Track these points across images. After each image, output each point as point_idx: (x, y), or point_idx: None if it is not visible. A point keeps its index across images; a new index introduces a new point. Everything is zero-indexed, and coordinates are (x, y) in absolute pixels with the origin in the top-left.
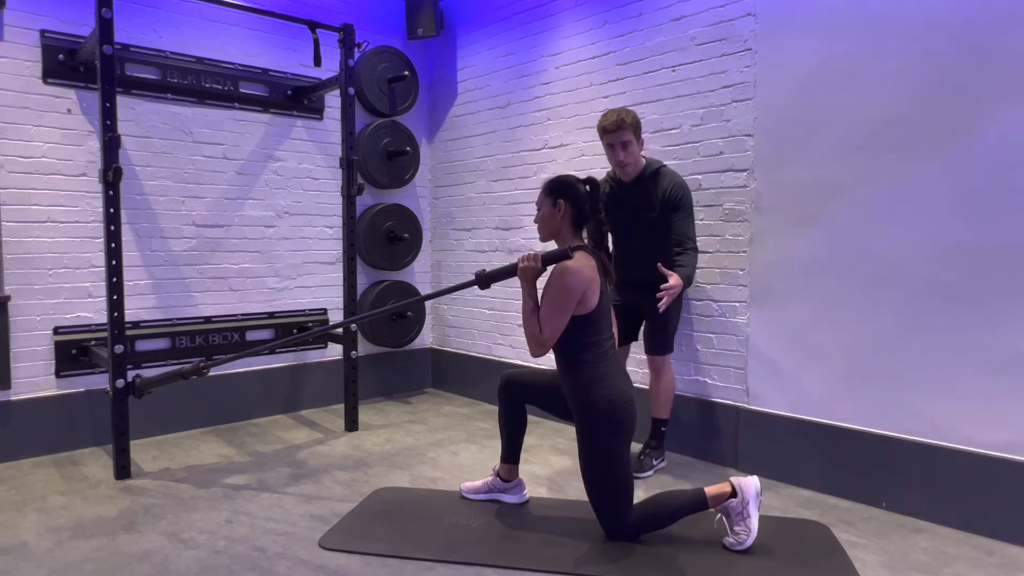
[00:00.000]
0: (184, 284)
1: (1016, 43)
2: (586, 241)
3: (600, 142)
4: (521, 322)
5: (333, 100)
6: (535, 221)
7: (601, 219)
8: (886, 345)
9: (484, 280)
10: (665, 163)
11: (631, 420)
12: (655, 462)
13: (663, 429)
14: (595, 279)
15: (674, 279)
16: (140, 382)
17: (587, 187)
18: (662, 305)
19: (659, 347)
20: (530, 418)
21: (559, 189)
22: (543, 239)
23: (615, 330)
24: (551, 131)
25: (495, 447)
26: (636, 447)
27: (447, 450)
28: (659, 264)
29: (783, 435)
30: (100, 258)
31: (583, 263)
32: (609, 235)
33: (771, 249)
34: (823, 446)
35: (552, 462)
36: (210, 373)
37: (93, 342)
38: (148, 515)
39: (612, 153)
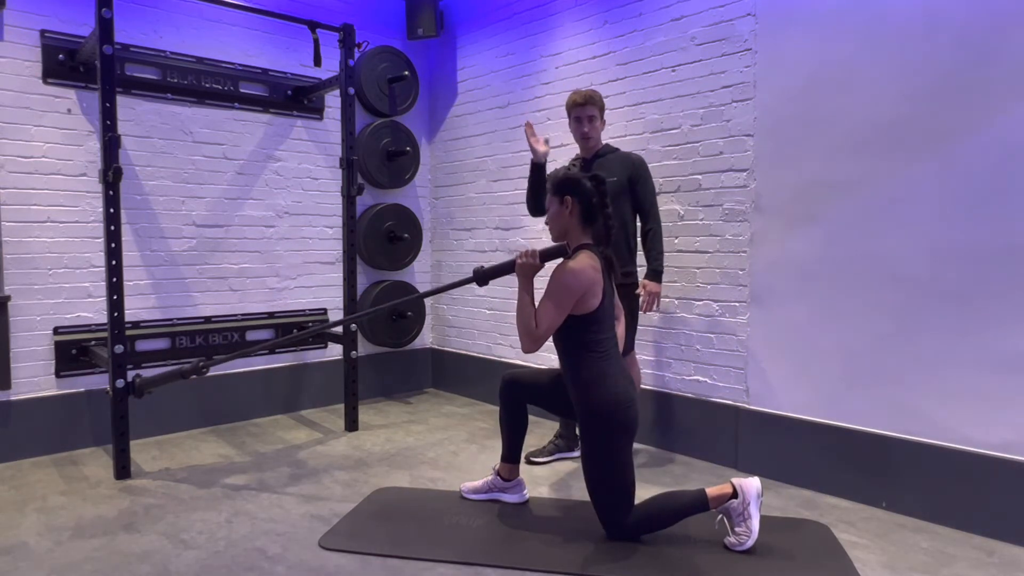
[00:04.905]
0: (184, 284)
1: (1016, 43)
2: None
3: (568, 119)
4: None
5: (333, 100)
6: (546, 222)
7: (608, 214)
8: (886, 345)
9: (482, 277)
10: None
11: (633, 420)
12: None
13: None
14: (597, 280)
15: (652, 286)
16: (140, 382)
17: (592, 183)
18: (647, 307)
19: (631, 345)
20: (532, 418)
21: (565, 186)
22: (554, 239)
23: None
24: (551, 131)
25: (495, 447)
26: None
27: (447, 450)
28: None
29: (783, 435)
30: (100, 258)
31: (586, 263)
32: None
33: (771, 249)
34: (823, 446)
35: (553, 462)
36: (210, 373)
37: (93, 342)
38: (148, 515)
39: (578, 126)
